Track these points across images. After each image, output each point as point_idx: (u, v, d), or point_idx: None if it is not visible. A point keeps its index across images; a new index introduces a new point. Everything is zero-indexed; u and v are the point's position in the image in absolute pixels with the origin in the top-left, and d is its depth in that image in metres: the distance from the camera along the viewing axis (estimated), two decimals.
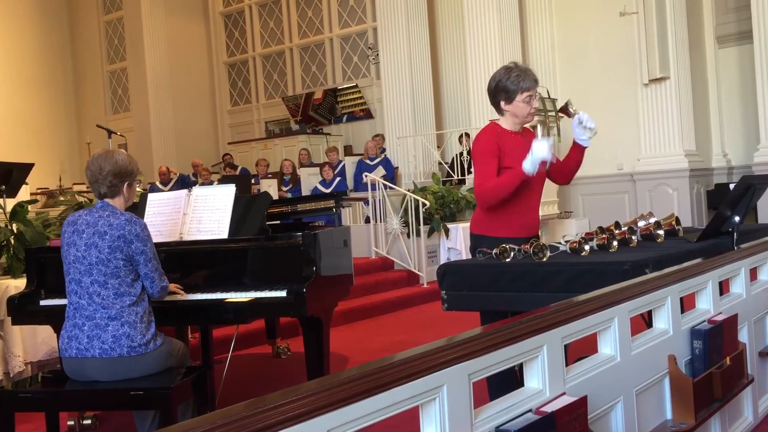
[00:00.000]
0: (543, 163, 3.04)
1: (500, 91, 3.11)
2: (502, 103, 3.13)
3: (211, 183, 10.63)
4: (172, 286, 3.34)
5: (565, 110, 3.23)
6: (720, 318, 2.77)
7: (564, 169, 3.34)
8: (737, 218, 3.18)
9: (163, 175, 11.96)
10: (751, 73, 8.92)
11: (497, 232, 3.15)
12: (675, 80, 9.09)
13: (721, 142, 9.95)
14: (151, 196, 3.88)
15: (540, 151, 2.97)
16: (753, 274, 3.40)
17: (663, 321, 2.56)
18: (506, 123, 3.19)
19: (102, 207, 2.97)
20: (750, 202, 3.25)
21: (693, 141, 9.38)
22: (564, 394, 1.92)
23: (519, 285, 2.70)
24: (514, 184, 3.04)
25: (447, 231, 8.77)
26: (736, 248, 3.16)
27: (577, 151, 3.26)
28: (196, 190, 3.79)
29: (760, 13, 8.41)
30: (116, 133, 7.86)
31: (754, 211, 8.08)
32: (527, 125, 3.28)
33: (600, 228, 3.06)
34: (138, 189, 3.50)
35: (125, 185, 2.99)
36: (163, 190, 10.45)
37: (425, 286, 8.37)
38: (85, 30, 15.92)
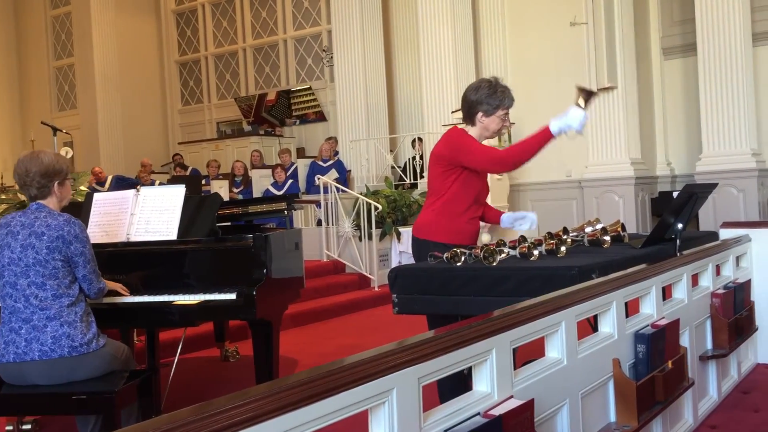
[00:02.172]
0: (545, 137, 2.99)
1: (481, 103, 3.15)
2: (480, 115, 3.17)
3: (152, 184, 10.37)
4: (117, 286, 3.27)
5: (585, 92, 3.06)
6: (662, 323, 2.84)
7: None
8: (680, 225, 3.27)
9: (97, 174, 11.63)
10: (694, 84, 9.18)
11: (441, 238, 3.19)
12: (622, 90, 9.31)
13: (666, 151, 10.23)
14: (97, 196, 3.79)
15: (575, 118, 2.98)
16: (694, 279, 3.49)
17: (608, 325, 2.61)
18: (474, 133, 3.23)
19: (38, 209, 2.89)
20: (692, 209, 3.35)
21: (638, 149, 9.62)
22: (512, 397, 1.94)
23: (469, 289, 2.72)
24: (540, 146, 3.03)
25: (399, 235, 8.79)
26: (678, 254, 3.25)
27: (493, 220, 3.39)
28: (144, 189, 3.71)
29: (704, 26, 8.66)
30: (62, 131, 7.67)
31: (696, 219, 8.33)
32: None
33: (549, 233, 3.11)
34: (83, 188, 3.41)
35: (55, 184, 2.91)
36: (101, 191, 10.17)
37: (376, 289, 8.37)
38: (31, 24, 15.47)
